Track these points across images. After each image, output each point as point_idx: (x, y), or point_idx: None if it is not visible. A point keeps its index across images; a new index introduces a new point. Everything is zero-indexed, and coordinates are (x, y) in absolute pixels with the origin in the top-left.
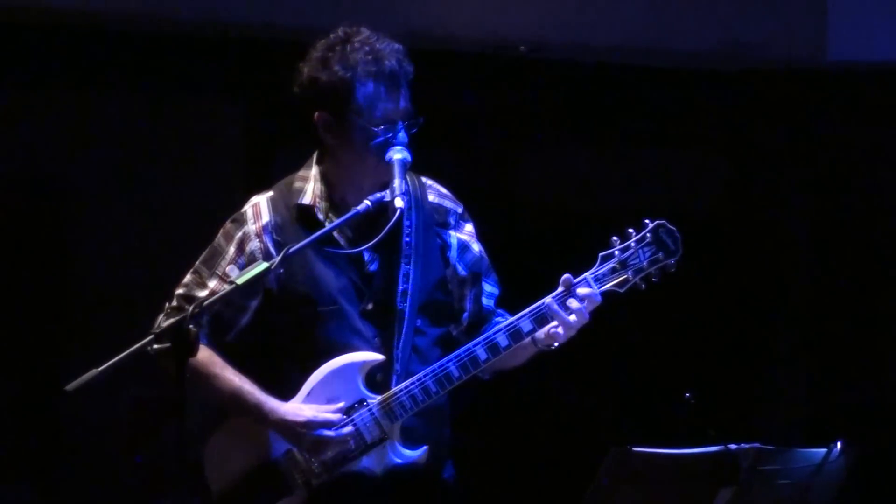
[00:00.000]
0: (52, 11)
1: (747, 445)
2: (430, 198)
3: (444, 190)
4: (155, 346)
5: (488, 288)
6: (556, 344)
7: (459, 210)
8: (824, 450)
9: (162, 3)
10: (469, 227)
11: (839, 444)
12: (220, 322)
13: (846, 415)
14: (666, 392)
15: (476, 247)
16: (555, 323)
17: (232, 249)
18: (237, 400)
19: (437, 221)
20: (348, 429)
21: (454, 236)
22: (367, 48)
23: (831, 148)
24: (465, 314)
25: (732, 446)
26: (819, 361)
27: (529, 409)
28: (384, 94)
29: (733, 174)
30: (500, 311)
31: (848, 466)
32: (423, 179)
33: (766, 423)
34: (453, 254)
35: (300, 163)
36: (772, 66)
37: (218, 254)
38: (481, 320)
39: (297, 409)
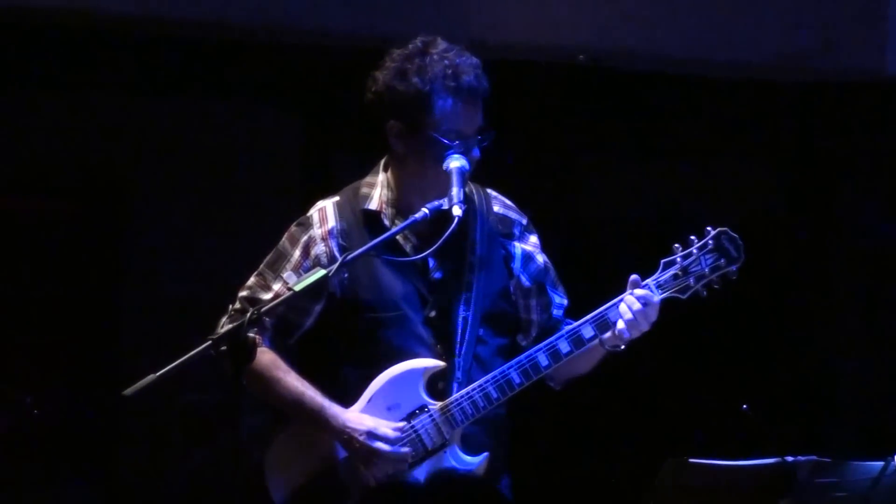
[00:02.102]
0: (112, 16)
1: (804, 457)
2: (495, 209)
3: (508, 202)
4: (220, 349)
5: (556, 299)
6: (622, 346)
7: (524, 221)
8: (881, 462)
9: (220, 11)
10: (534, 239)
11: None
12: (284, 324)
13: None
14: (723, 403)
15: (540, 258)
16: (622, 325)
17: (297, 253)
18: (298, 404)
19: (501, 232)
20: (406, 449)
21: (518, 247)
22: (446, 62)
23: (890, 160)
24: (533, 326)
25: (789, 458)
26: (877, 372)
27: (586, 420)
28: (461, 110)
29: (791, 185)
30: (567, 320)
31: None
32: (489, 191)
33: (823, 435)
34: (517, 264)
35: (355, 171)
36: (831, 79)
37: (283, 257)
38: (549, 331)
39: (359, 418)
